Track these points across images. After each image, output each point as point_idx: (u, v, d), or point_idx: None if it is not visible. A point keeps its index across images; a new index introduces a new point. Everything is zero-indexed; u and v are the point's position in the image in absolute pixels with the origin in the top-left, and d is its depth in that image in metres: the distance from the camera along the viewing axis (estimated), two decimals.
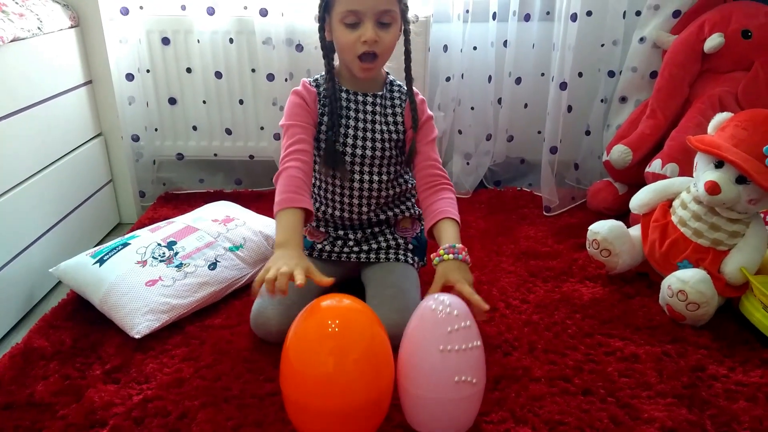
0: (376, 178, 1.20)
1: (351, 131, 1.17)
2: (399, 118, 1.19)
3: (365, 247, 1.24)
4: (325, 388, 0.83)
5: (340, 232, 1.25)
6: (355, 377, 0.84)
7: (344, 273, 1.25)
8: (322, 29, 1.13)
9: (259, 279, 0.95)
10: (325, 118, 1.16)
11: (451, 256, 1.05)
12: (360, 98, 1.18)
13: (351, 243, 1.24)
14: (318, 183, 1.24)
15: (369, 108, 1.18)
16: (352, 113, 1.17)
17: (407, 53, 1.16)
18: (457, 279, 1.03)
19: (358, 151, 1.17)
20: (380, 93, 1.19)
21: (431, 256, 1.10)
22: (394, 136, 1.19)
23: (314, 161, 1.20)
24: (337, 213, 1.23)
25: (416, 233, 1.30)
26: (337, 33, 1.09)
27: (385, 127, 1.18)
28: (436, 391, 0.88)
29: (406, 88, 1.20)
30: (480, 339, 0.90)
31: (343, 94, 1.18)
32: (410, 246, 1.26)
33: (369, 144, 1.17)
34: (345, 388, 0.84)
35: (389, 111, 1.19)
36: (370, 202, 1.22)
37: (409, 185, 1.28)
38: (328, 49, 1.15)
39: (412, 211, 1.29)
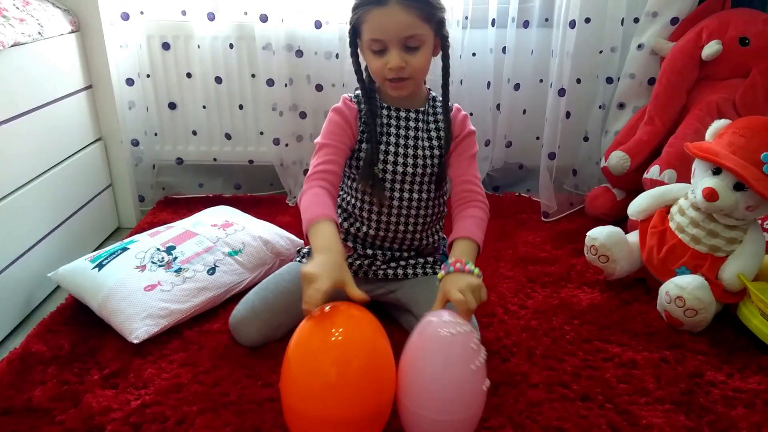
0: (416, 195, 1.16)
1: (392, 148, 1.13)
2: (442, 134, 1.15)
3: (393, 264, 1.20)
4: (327, 397, 0.82)
5: (369, 251, 1.20)
6: (358, 387, 0.83)
7: (365, 290, 1.19)
8: (354, 54, 1.11)
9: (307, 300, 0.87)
10: (366, 135, 1.13)
11: (443, 272, 0.99)
12: (402, 114, 1.14)
13: (379, 262, 1.20)
14: (353, 201, 1.19)
15: (411, 124, 1.14)
16: (393, 129, 1.14)
17: (445, 69, 1.12)
18: (447, 289, 0.95)
19: (399, 168, 1.13)
20: (422, 109, 1.16)
21: None
22: (436, 152, 1.15)
23: (352, 178, 1.18)
24: (372, 232, 1.19)
25: (442, 249, 1.27)
26: (366, 58, 1.09)
27: (427, 143, 1.14)
28: (468, 409, 0.87)
29: (450, 104, 1.17)
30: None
31: (384, 111, 1.14)
32: (439, 262, 1.23)
33: (410, 161, 1.13)
34: (347, 398, 0.82)
35: (432, 126, 1.15)
36: (408, 221, 1.17)
37: (444, 211, 1.24)
38: (361, 73, 1.13)
39: (437, 244, 1.26)
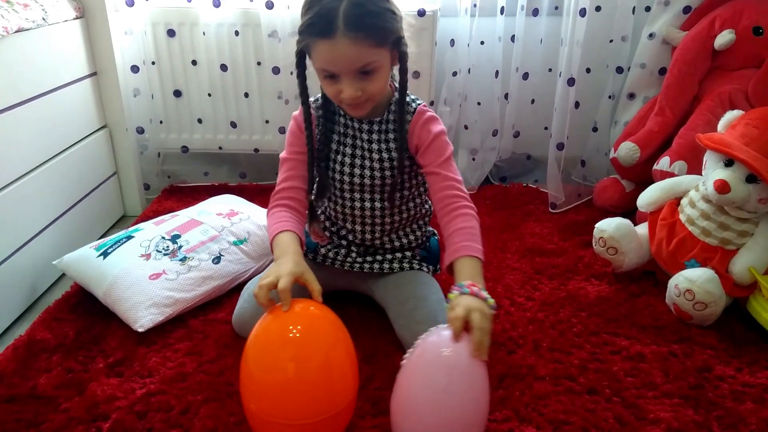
0: (377, 204, 1.13)
1: (348, 159, 1.11)
2: (402, 156, 1.08)
3: (369, 258, 1.18)
4: (285, 395, 0.81)
5: (344, 242, 1.20)
6: (316, 384, 0.82)
7: (345, 283, 1.21)
8: (301, 75, 1.03)
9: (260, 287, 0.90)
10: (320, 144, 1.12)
11: (456, 292, 0.90)
12: (356, 125, 1.09)
13: (354, 254, 1.19)
14: (323, 208, 1.20)
15: (365, 136, 1.09)
16: (349, 140, 1.11)
17: (402, 84, 1.02)
18: (465, 313, 0.85)
19: (356, 180, 1.11)
20: (378, 119, 1.09)
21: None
22: (396, 163, 1.09)
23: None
24: (343, 232, 1.19)
25: (425, 245, 1.24)
26: (319, 79, 1.01)
27: (386, 155, 1.09)
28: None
29: (413, 106, 1.08)
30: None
31: (342, 119, 1.11)
32: (418, 257, 1.21)
33: (367, 172, 1.10)
34: (304, 396, 0.81)
35: (390, 137, 1.09)
36: (374, 229, 1.16)
37: (422, 210, 1.21)
38: (307, 96, 1.07)
39: (420, 240, 1.22)
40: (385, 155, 1.10)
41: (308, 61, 1.02)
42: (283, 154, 1.13)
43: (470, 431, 0.84)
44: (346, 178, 1.12)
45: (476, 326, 0.82)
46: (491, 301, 0.90)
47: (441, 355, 0.82)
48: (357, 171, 1.11)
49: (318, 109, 1.12)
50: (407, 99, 1.08)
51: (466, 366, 0.81)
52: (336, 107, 1.11)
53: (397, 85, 1.06)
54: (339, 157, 1.12)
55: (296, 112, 1.12)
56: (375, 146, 1.10)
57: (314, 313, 0.88)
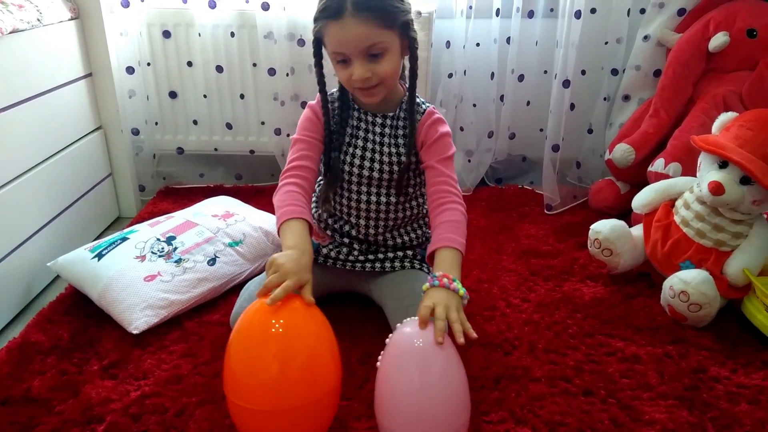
0: (383, 199, 1.15)
1: (359, 151, 1.13)
2: (413, 140, 1.11)
3: (371, 257, 1.19)
4: (265, 390, 0.82)
5: (346, 240, 1.20)
6: (298, 378, 0.83)
7: (345, 284, 1.22)
8: (318, 65, 1.09)
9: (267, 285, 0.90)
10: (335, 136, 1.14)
11: (428, 284, 0.94)
12: (369, 118, 1.13)
13: (356, 252, 1.19)
14: (333, 204, 1.20)
15: (378, 129, 1.13)
16: (361, 133, 1.14)
17: (412, 72, 1.07)
18: (431, 305, 0.90)
19: (365, 172, 1.13)
20: (391, 114, 1.13)
21: None
22: (403, 158, 1.12)
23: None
24: (346, 228, 1.19)
25: (424, 245, 1.23)
26: (334, 67, 1.06)
27: (394, 149, 1.12)
28: (452, 424, 0.85)
29: (423, 107, 1.12)
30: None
31: (355, 113, 1.14)
32: (418, 256, 1.21)
33: (377, 166, 1.12)
34: (287, 389, 0.83)
35: (400, 133, 1.12)
36: (378, 224, 1.17)
37: (424, 210, 1.21)
38: (324, 84, 1.12)
39: (421, 239, 1.23)
40: (393, 150, 1.12)
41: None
42: (294, 136, 1.15)
43: (453, 421, 0.85)
44: (356, 170, 1.14)
45: (437, 317, 0.87)
46: (462, 291, 0.94)
47: (413, 346, 0.85)
48: (366, 164, 1.13)
49: (334, 101, 1.15)
50: (418, 101, 1.12)
51: (438, 354, 0.84)
52: (351, 101, 1.14)
53: (407, 85, 1.10)
54: (350, 149, 1.14)
55: (313, 102, 1.16)
56: (386, 140, 1.13)
57: (297, 307, 0.89)
